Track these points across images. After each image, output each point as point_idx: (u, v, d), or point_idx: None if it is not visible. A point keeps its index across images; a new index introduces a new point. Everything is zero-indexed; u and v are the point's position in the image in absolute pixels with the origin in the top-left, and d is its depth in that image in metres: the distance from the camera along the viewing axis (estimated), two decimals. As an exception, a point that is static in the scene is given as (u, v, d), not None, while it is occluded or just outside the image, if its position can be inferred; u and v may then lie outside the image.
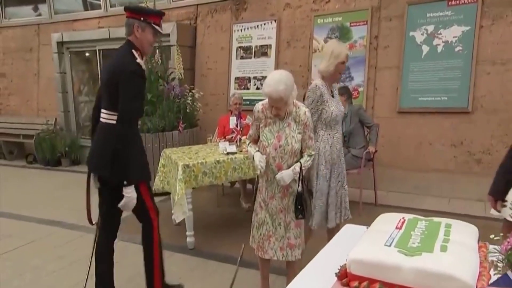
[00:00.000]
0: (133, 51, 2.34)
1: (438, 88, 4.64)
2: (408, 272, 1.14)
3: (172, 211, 3.53)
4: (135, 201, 2.35)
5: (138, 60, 2.33)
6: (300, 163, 2.41)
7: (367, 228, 1.70)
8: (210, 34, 6.21)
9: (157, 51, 5.27)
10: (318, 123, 2.76)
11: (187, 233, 3.50)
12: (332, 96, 2.81)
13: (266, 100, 2.41)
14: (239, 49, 5.98)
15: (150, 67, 5.20)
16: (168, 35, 5.81)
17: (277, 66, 5.64)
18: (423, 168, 4.76)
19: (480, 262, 1.19)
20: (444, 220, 1.45)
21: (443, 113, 4.62)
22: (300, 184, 2.41)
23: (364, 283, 1.21)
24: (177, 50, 5.38)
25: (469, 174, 4.53)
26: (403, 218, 1.52)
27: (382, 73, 5.00)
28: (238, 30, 5.96)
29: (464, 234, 1.33)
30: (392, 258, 1.20)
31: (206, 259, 3.33)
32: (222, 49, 6.11)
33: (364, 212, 4.25)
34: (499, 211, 2.12)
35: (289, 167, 2.40)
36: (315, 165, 2.77)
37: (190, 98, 5.28)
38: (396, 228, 1.42)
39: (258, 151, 2.46)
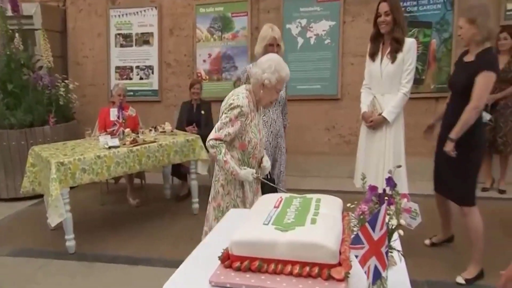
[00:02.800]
0: None
1: (313, 77, 5.03)
2: (283, 246, 1.22)
3: (47, 215, 3.17)
4: None
5: None
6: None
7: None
8: (84, 19, 5.66)
9: (17, 34, 4.61)
10: None
11: (66, 236, 3.19)
12: None
13: (243, 91, 2.21)
14: (118, 36, 5.60)
15: (8, 53, 4.53)
16: (31, 17, 5.12)
17: (160, 55, 5.45)
18: (305, 151, 5.12)
19: (344, 230, 1.34)
20: (315, 196, 1.58)
21: (318, 100, 5.03)
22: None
23: (245, 262, 1.26)
24: (43, 35, 4.77)
25: (341, 154, 5.04)
26: (280, 197, 1.62)
27: (264, 63, 5.21)
28: (115, 16, 5.56)
29: (330, 207, 1.47)
30: (269, 235, 1.27)
31: (90, 262, 3.08)
32: (99, 35, 5.64)
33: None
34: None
35: None
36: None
37: (62, 89, 4.76)
38: (274, 207, 1.51)
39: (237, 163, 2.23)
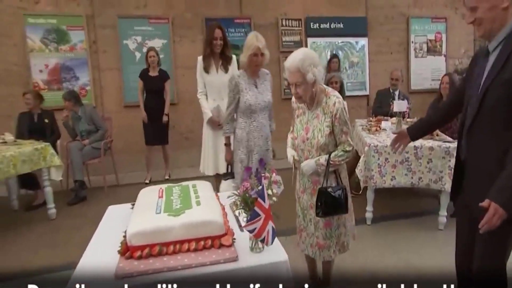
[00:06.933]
0: None
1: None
2: (179, 229, 1.20)
3: None
4: None
5: None
6: (329, 156, 1.77)
7: (132, 204, 1.62)
8: None
9: None
10: (238, 111, 2.46)
11: None
12: (256, 87, 2.44)
13: None
14: None
15: None
16: None
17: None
18: (156, 148, 4.77)
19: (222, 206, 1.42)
20: (189, 183, 1.58)
21: None
22: (326, 179, 1.77)
23: (146, 250, 1.18)
24: None
25: (182, 147, 5.01)
26: (160, 188, 1.55)
27: (106, 74, 4.72)
28: None
29: (206, 189, 1.52)
30: (165, 222, 1.22)
31: None
32: None
33: (110, 193, 4.03)
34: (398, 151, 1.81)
35: None
36: (235, 149, 2.48)
37: None
38: (159, 197, 1.44)
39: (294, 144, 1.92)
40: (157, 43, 4.82)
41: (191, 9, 4.84)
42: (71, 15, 4.47)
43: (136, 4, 4.70)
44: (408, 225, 3.07)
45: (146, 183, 4.24)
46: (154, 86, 4.26)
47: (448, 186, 2.74)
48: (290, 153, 1.90)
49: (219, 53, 2.93)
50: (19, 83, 4.38)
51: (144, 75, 4.28)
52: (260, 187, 1.09)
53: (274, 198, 1.14)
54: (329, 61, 4.89)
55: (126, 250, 1.19)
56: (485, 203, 1.19)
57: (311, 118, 1.80)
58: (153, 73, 4.27)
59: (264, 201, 1.08)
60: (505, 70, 1.27)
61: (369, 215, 3.06)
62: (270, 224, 1.10)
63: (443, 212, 2.94)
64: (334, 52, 5.23)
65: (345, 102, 1.73)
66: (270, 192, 1.13)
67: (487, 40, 1.38)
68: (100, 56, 4.67)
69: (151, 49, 4.29)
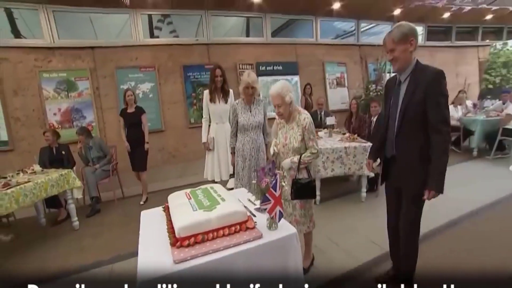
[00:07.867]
0: None
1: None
2: (215, 220, 1.25)
3: None
4: None
5: None
6: (300, 156, 1.88)
7: (162, 208, 1.59)
8: None
9: None
10: (238, 129, 2.51)
11: None
12: (250, 111, 2.47)
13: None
14: None
15: None
16: None
17: (6, 112, 3.97)
18: (148, 166, 4.83)
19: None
20: (207, 186, 1.57)
21: (151, 132, 4.79)
22: (297, 172, 1.87)
23: (192, 239, 1.21)
24: None
25: (170, 163, 5.06)
26: (186, 192, 1.53)
27: (107, 113, 4.68)
28: None
29: (221, 189, 1.53)
30: (203, 216, 1.25)
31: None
32: None
33: (119, 205, 3.99)
34: (373, 170, 1.90)
35: None
36: (236, 157, 2.52)
37: None
38: (188, 199, 1.44)
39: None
40: (146, 85, 4.90)
41: (172, 59, 5.02)
42: (78, 69, 4.40)
43: (130, 58, 4.78)
44: (343, 201, 3.31)
45: (141, 204, 3.90)
46: (133, 120, 3.87)
47: (366, 172, 3.10)
48: (272, 148, 2.09)
49: (220, 87, 2.95)
50: (36, 125, 4.19)
51: (123, 112, 3.88)
52: (274, 181, 1.20)
53: (286, 188, 1.26)
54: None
55: (176, 241, 1.21)
56: (426, 192, 1.40)
57: (289, 129, 1.94)
58: (131, 109, 3.86)
59: (276, 191, 1.18)
60: (415, 95, 1.43)
61: (317, 198, 3.21)
62: (278, 208, 1.22)
63: (364, 190, 3.32)
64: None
65: (311, 118, 1.92)
66: (283, 183, 1.20)
67: (398, 74, 1.53)
68: (102, 99, 4.63)
69: (127, 90, 3.86)
